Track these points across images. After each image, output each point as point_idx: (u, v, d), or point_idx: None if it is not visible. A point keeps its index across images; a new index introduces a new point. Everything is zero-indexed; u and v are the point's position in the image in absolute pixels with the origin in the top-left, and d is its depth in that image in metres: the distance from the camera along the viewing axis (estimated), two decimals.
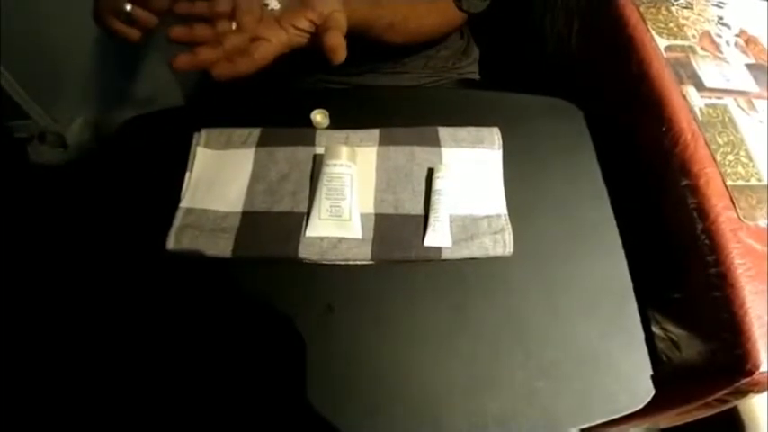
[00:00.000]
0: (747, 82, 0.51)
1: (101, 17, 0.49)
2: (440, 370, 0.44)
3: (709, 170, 0.44)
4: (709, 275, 0.41)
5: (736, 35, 0.55)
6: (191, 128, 0.56)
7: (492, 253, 0.48)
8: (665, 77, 0.50)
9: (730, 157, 0.45)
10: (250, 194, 0.52)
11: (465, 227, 0.50)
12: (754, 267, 0.40)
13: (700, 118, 0.48)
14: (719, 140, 0.46)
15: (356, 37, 0.56)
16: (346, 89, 0.70)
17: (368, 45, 0.68)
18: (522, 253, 0.49)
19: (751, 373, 0.37)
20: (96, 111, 1.32)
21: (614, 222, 0.51)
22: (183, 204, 0.52)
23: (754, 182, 0.44)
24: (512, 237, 0.49)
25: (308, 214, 0.50)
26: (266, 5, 0.48)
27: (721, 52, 0.53)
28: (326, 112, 0.56)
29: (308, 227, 0.49)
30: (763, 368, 0.37)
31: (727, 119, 0.48)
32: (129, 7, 0.48)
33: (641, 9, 0.56)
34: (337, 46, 0.44)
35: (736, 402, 0.43)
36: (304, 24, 0.47)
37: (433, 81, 0.73)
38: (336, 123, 0.57)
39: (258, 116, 0.57)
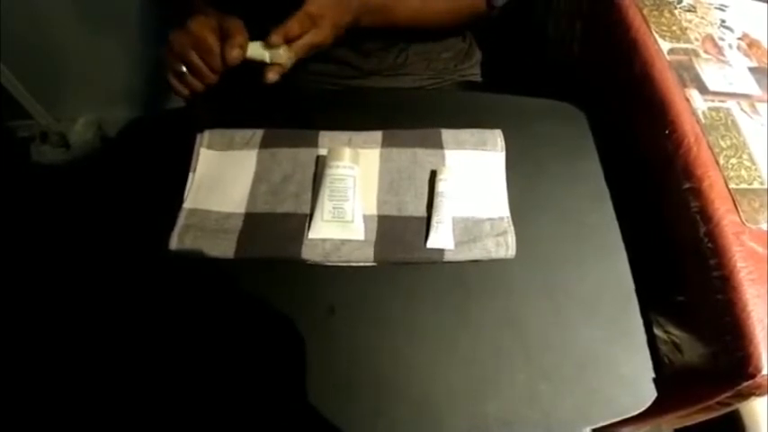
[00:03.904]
0: (750, 85, 0.51)
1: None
2: (441, 372, 0.44)
3: (711, 173, 0.44)
4: (712, 278, 0.41)
5: (739, 38, 0.56)
6: (194, 129, 0.56)
7: (494, 255, 0.48)
8: (668, 80, 0.50)
9: (733, 161, 0.45)
10: (253, 195, 0.52)
11: (467, 229, 0.50)
12: (756, 271, 0.40)
13: (703, 121, 0.48)
14: (722, 144, 0.46)
15: (362, 33, 0.56)
16: (349, 91, 0.70)
17: (370, 47, 0.68)
18: (523, 255, 0.48)
19: (753, 376, 0.37)
20: (99, 110, 1.33)
21: (616, 225, 0.51)
22: (186, 205, 0.52)
23: (756, 185, 0.44)
24: (514, 239, 0.49)
25: (311, 216, 0.50)
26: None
27: (724, 55, 0.54)
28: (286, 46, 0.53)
29: (311, 228, 0.49)
30: (764, 371, 0.37)
31: (729, 122, 0.48)
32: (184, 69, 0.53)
33: (644, 12, 0.56)
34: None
35: (737, 405, 0.43)
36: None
37: (435, 83, 0.73)
38: (339, 125, 0.57)
39: (261, 117, 0.57)
